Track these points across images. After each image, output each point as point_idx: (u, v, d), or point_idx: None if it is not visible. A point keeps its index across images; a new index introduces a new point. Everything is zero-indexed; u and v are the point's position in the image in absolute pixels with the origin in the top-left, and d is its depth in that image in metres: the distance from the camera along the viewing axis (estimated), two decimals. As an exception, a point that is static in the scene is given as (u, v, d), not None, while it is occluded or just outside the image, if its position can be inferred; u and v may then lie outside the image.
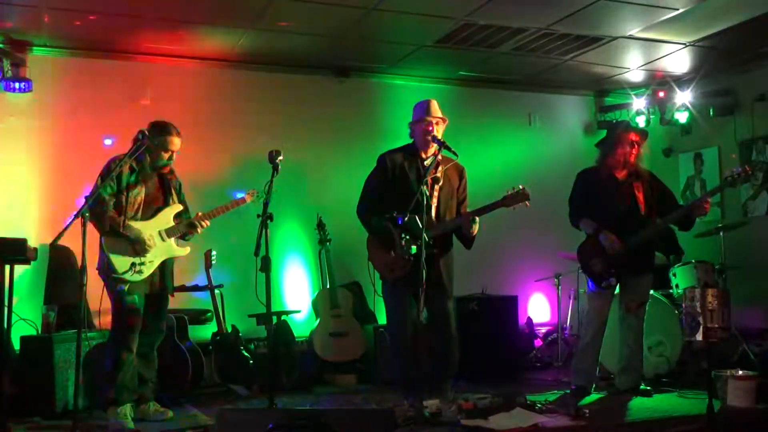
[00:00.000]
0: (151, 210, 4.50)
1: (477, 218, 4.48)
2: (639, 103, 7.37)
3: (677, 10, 5.48)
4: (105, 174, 4.35)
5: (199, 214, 4.58)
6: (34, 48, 5.95)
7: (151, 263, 4.43)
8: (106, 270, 4.35)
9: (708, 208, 4.95)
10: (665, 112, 7.37)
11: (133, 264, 4.36)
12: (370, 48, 6.38)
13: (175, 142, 4.51)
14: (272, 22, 5.64)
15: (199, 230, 4.57)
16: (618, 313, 5.17)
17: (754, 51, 6.54)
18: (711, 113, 7.08)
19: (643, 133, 5.18)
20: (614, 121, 7.41)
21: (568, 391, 5.12)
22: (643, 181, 5.12)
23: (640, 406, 4.71)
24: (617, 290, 5.17)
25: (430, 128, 4.56)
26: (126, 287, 4.35)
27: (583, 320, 5.37)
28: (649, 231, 5.00)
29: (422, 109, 4.64)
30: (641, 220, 5.01)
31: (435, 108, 4.65)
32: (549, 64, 6.81)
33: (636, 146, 5.05)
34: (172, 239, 4.54)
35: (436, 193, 4.54)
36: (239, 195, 4.73)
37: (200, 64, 6.47)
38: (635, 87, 7.61)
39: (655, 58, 6.70)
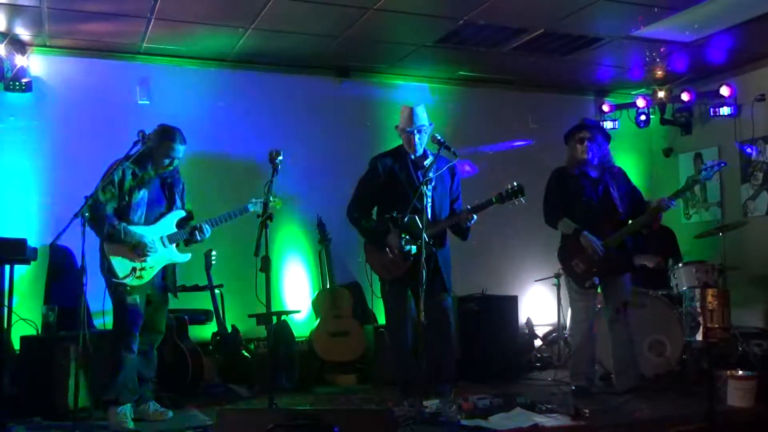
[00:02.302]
0: (153, 215, 4.50)
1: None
2: (639, 103, 7.37)
3: (677, 10, 5.48)
4: (105, 178, 4.34)
5: (202, 225, 4.56)
6: (34, 48, 5.96)
7: (151, 269, 4.43)
8: (107, 273, 4.36)
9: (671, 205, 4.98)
10: (665, 112, 7.37)
11: (134, 269, 4.36)
12: (370, 48, 6.37)
13: (178, 150, 4.48)
14: (272, 22, 5.64)
15: (198, 238, 4.54)
16: (607, 315, 5.17)
17: (754, 51, 6.54)
18: (711, 113, 7.08)
19: (593, 128, 5.16)
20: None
21: (568, 392, 5.12)
22: (617, 179, 5.15)
23: (640, 406, 4.71)
24: (599, 290, 5.19)
25: (412, 139, 4.60)
26: (128, 288, 4.36)
27: (571, 323, 5.37)
28: (627, 230, 5.01)
29: (405, 118, 4.66)
30: (617, 219, 5.03)
31: (418, 116, 4.64)
32: (549, 64, 6.81)
33: (584, 142, 5.05)
34: (174, 245, 4.54)
35: (429, 193, 4.56)
36: (250, 207, 4.62)
37: (200, 64, 6.47)
38: (635, 87, 7.61)
39: (655, 58, 6.70)
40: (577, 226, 5.00)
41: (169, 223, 4.54)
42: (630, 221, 5.08)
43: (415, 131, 4.62)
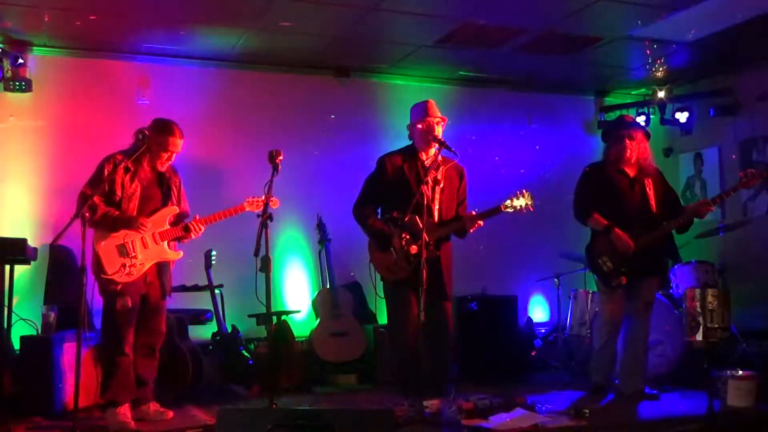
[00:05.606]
0: (146, 211, 4.43)
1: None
2: (639, 102, 7.36)
3: (677, 10, 5.48)
4: (97, 175, 4.33)
5: (197, 217, 4.51)
6: (34, 48, 5.95)
7: (141, 265, 4.36)
8: (96, 270, 4.31)
9: (711, 209, 4.92)
10: (665, 112, 7.37)
11: (123, 265, 4.31)
12: (370, 48, 6.37)
13: (176, 144, 4.43)
14: (272, 22, 5.64)
15: (192, 236, 4.48)
16: (626, 314, 5.14)
17: (754, 51, 6.54)
18: (711, 113, 7.08)
19: (640, 129, 5.11)
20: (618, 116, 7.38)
21: (582, 392, 5.09)
22: (653, 179, 5.06)
23: (640, 406, 4.70)
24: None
25: (433, 128, 4.56)
26: (119, 287, 4.30)
27: (596, 323, 5.30)
28: (661, 231, 4.92)
29: (422, 110, 4.64)
30: (653, 219, 4.94)
31: (434, 108, 4.64)
32: (549, 64, 6.81)
33: (630, 141, 4.98)
34: (165, 243, 4.47)
35: (437, 195, 4.54)
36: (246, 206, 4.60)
37: (200, 64, 6.47)
38: (635, 87, 7.61)
39: (655, 58, 6.70)
40: (608, 222, 4.93)
41: (162, 219, 4.46)
42: (665, 222, 4.96)
43: (435, 120, 4.57)
